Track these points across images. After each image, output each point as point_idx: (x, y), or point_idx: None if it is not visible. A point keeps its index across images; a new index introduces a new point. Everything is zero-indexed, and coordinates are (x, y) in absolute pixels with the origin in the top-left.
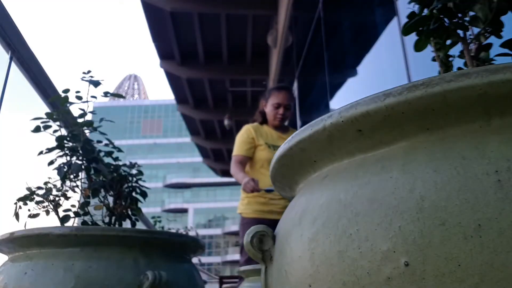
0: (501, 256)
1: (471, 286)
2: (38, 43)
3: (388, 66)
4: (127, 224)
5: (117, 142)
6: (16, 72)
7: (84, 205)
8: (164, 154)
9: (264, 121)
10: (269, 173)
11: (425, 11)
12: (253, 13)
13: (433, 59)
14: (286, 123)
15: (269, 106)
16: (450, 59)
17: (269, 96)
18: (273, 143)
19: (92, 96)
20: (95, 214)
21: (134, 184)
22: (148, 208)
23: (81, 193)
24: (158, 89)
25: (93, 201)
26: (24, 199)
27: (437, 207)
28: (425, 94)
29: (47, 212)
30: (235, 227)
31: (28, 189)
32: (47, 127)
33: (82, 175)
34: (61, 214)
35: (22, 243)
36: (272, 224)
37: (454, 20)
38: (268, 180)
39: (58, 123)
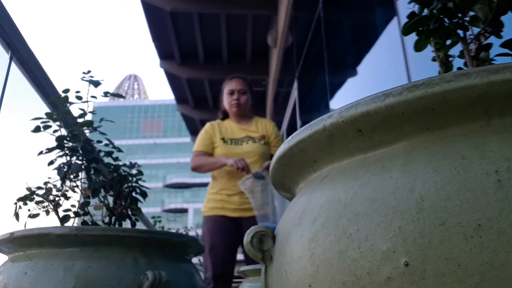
0: (501, 256)
1: (471, 286)
2: (38, 43)
3: (388, 66)
4: (127, 224)
5: (117, 142)
6: (16, 72)
7: (84, 205)
8: (164, 154)
9: (225, 116)
10: (270, 173)
11: (425, 11)
12: (253, 13)
13: (433, 59)
14: (253, 115)
15: (224, 97)
16: (450, 59)
17: (223, 88)
18: (232, 136)
19: (92, 96)
20: (95, 214)
21: (134, 184)
22: (148, 208)
23: (81, 193)
24: (158, 89)
25: (93, 201)
26: (24, 199)
27: (437, 207)
28: (425, 94)
29: (47, 212)
30: None
31: (28, 189)
32: (47, 127)
33: (82, 175)
34: (61, 214)
35: (22, 243)
36: (229, 221)
37: (454, 20)
38: (227, 179)
39: (58, 123)
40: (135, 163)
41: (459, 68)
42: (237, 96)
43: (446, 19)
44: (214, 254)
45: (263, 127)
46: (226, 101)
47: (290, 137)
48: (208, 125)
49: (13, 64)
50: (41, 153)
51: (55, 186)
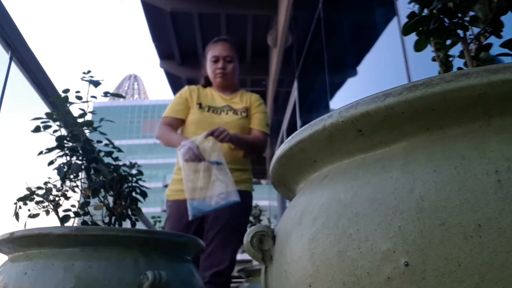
0: (501, 256)
1: (471, 286)
2: (38, 43)
3: (388, 66)
4: (127, 224)
5: (117, 142)
6: (16, 72)
7: (84, 205)
8: (164, 154)
9: (208, 83)
10: (270, 173)
11: (425, 11)
12: (253, 13)
13: (433, 59)
14: (239, 87)
15: (208, 64)
16: (450, 59)
17: (207, 53)
18: (210, 104)
19: (92, 96)
20: (95, 214)
21: (134, 184)
22: (148, 208)
23: (81, 193)
24: (158, 89)
25: (93, 201)
26: (24, 199)
27: (437, 207)
28: (425, 94)
29: (47, 212)
30: None
31: (28, 189)
32: (47, 127)
33: (82, 175)
34: (61, 214)
35: (22, 243)
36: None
37: (454, 20)
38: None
39: (58, 123)
40: (135, 163)
41: (459, 68)
42: (222, 64)
43: (446, 19)
44: None
45: (247, 99)
46: (210, 69)
47: (290, 137)
48: (185, 87)
49: (13, 64)
50: (41, 153)
51: (55, 186)
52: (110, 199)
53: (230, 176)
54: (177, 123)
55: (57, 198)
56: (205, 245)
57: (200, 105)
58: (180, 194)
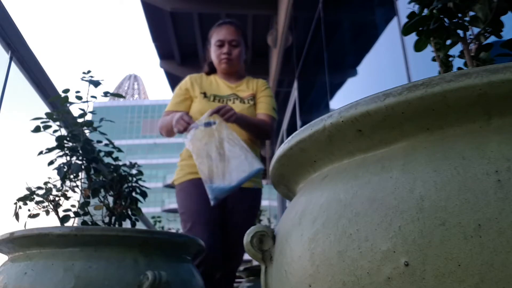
0: (501, 256)
1: (471, 286)
2: (38, 43)
3: (388, 66)
4: (127, 224)
5: (117, 142)
6: (16, 72)
7: (84, 205)
8: (164, 154)
9: (212, 71)
10: (270, 173)
11: (425, 11)
12: (253, 13)
13: (433, 59)
14: (245, 74)
15: (212, 49)
16: (450, 59)
17: (210, 37)
18: (216, 92)
19: (92, 96)
20: (95, 214)
21: (134, 184)
22: (148, 208)
23: (81, 193)
24: (158, 89)
25: (93, 201)
26: (24, 199)
27: (437, 207)
28: (425, 94)
29: (47, 212)
30: None
31: (28, 189)
32: (47, 127)
33: (82, 175)
34: (61, 214)
35: (22, 243)
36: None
37: (454, 20)
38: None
39: (58, 123)
40: (135, 163)
41: (459, 68)
42: (227, 49)
43: (446, 19)
44: (199, 224)
45: (253, 86)
46: (214, 54)
47: (290, 137)
48: (187, 78)
49: (13, 64)
50: (41, 153)
51: (55, 186)
52: (110, 199)
53: (244, 145)
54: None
55: (57, 198)
56: (225, 235)
57: (204, 94)
58: (194, 174)
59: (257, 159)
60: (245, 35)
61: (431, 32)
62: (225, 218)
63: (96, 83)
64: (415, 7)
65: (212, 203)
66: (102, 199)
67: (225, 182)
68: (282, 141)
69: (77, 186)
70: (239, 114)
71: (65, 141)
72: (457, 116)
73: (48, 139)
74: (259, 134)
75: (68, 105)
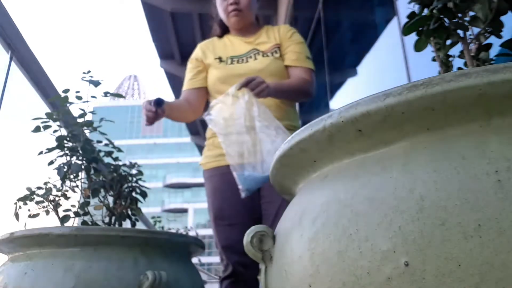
0: (501, 256)
1: (471, 286)
2: (38, 43)
3: (388, 66)
4: (127, 224)
5: (117, 142)
6: (16, 72)
7: (84, 205)
8: (164, 154)
9: (224, 31)
10: (270, 173)
11: (425, 11)
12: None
13: (433, 59)
14: (259, 23)
15: (217, 3)
16: (450, 59)
17: None
18: (231, 54)
19: (92, 96)
20: (95, 214)
21: (134, 184)
22: (148, 208)
23: (81, 193)
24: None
25: (93, 201)
26: (24, 199)
27: (437, 207)
28: (425, 94)
29: (47, 212)
30: None
31: (28, 189)
32: (47, 127)
33: (82, 175)
34: (61, 214)
35: (22, 243)
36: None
37: (454, 20)
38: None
39: (58, 123)
40: (135, 163)
41: (459, 68)
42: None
43: (446, 19)
44: (225, 222)
45: (275, 34)
46: (220, 8)
47: (290, 137)
48: (197, 47)
49: (13, 64)
50: (41, 153)
51: (55, 186)
52: (110, 199)
53: (280, 125)
54: (196, 94)
55: (57, 198)
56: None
57: (220, 59)
58: (220, 157)
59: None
60: None
61: (431, 32)
62: (259, 209)
63: (96, 83)
64: (415, 7)
65: (243, 195)
66: (102, 199)
67: (259, 170)
68: None
69: (77, 186)
70: (273, 85)
71: (65, 141)
72: (457, 116)
73: (48, 139)
74: (299, 98)
75: (68, 105)
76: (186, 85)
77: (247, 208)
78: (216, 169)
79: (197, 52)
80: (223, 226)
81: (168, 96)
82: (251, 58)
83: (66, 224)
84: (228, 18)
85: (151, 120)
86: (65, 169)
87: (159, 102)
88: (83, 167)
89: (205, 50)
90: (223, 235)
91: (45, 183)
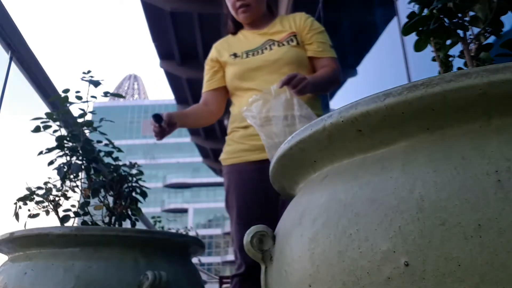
0: (501, 256)
1: (471, 286)
2: (38, 43)
3: (388, 66)
4: (127, 224)
5: (117, 142)
6: (16, 72)
7: (84, 205)
8: (164, 154)
9: (238, 27)
10: (270, 173)
11: (425, 11)
12: None
13: (433, 59)
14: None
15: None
16: (450, 59)
17: None
18: (246, 48)
19: (92, 96)
20: (95, 214)
21: (134, 184)
22: (148, 208)
23: (81, 193)
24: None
25: (93, 201)
26: (24, 199)
27: (437, 207)
28: (425, 94)
29: (47, 212)
30: None
31: (28, 189)
32: (47, 127)
33: (82, 175)
34: (61, 214)
35: (22, 243)
36: (258, 168)
37: (454, 20)
38: (247, 100)
39: (58, 123)
40: (135, 163)
41: (459, 68)
42: None
43: (446, 19)
44: (244, 222)
45: (290, 23)
46: (229, 3)
47: (290, 137)
48: (212, 48)
49: (13, 64)
50: (41, 153)
51: (55, 186)
52: (110, 199)
53: (315, 116)
54: (214, 95)
55: (57, 198)
56: None
57: (235, 55)
58: (240, 155)
59: None
60: None
61: (431, 32)
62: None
63: (96, 83)
64: (415, 7)
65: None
66: (102, 199)
67: None
68: None
69: (77, 186)
70: (312, 80)
71: (65, 141)
72: (457, 116)
73: (48, 139)
74: (331, 88)
75: (68, 105)
76: (204, 87)
77: (267, 208)
78: (233, 166)
79: (212, 53)
80: (241, 225)
81: (168, 95)
82: (266, 49)
83: (66, 224)
84: (237, 14)
85: (159, 135)
86: (65, 169)
87: (156, 118)
88: (83, 167)
89: (220, 49)
90: (239, 235)
91: (45, 183)
